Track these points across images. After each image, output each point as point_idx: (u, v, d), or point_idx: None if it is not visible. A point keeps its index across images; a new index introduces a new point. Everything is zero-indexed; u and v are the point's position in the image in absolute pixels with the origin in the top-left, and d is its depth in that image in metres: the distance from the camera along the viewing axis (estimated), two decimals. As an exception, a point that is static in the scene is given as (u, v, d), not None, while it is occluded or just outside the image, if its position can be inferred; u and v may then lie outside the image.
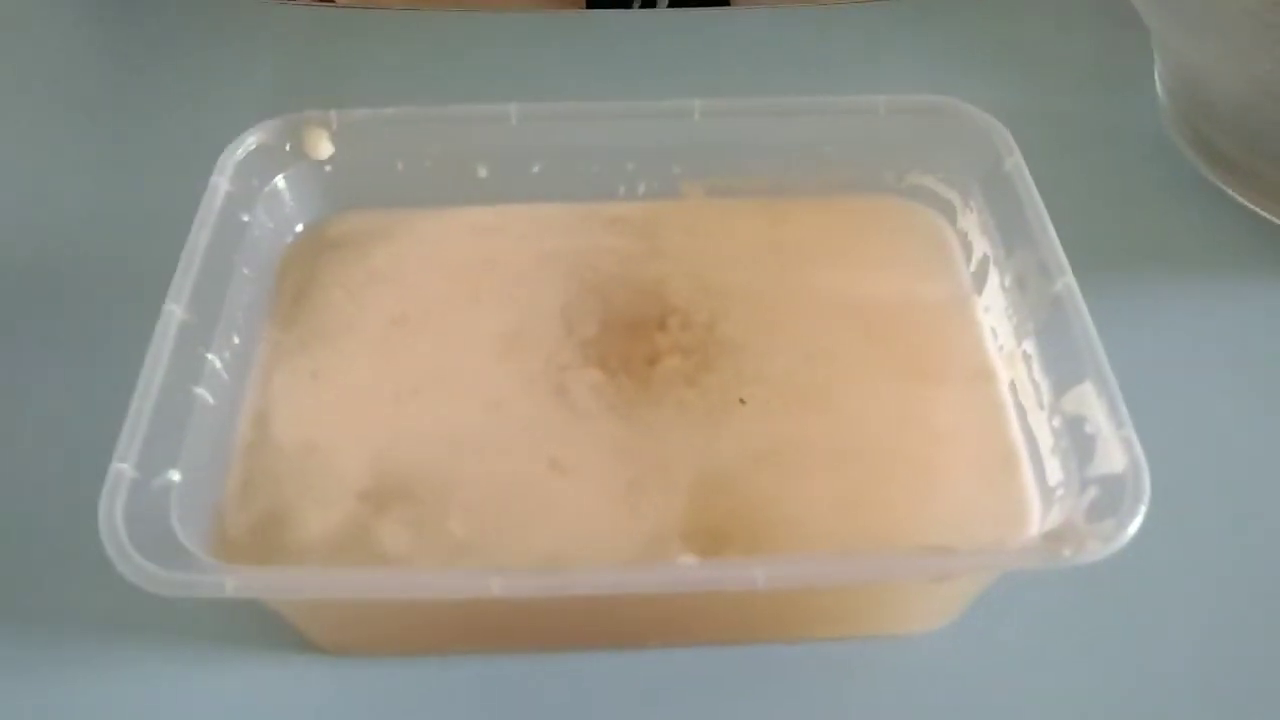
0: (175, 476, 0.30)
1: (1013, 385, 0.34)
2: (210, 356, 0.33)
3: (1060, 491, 0.31)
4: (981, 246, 0.37)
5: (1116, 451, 0.29)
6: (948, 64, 0.51)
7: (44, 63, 0.53)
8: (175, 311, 0.32)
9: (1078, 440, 0.30)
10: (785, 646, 0.32)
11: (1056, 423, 0.31)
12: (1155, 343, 0.39)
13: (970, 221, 0.38)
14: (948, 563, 0.28)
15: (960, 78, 0.49)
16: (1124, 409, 0.30)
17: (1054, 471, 0.31)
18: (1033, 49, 0.52)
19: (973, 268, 0.38)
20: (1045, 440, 0.32)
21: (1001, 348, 0.35)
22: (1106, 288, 0.34)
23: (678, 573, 0.28)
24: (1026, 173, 0.36)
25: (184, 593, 0.27)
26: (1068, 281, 0.33)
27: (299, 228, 0.39)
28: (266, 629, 0.32)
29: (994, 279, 0.36)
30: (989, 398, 0.34)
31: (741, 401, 0.34)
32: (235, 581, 0.27)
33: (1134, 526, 0.27)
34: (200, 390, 0.32)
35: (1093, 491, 0.29)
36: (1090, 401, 0.30)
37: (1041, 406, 0.32)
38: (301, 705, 0.32)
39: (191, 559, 0.28)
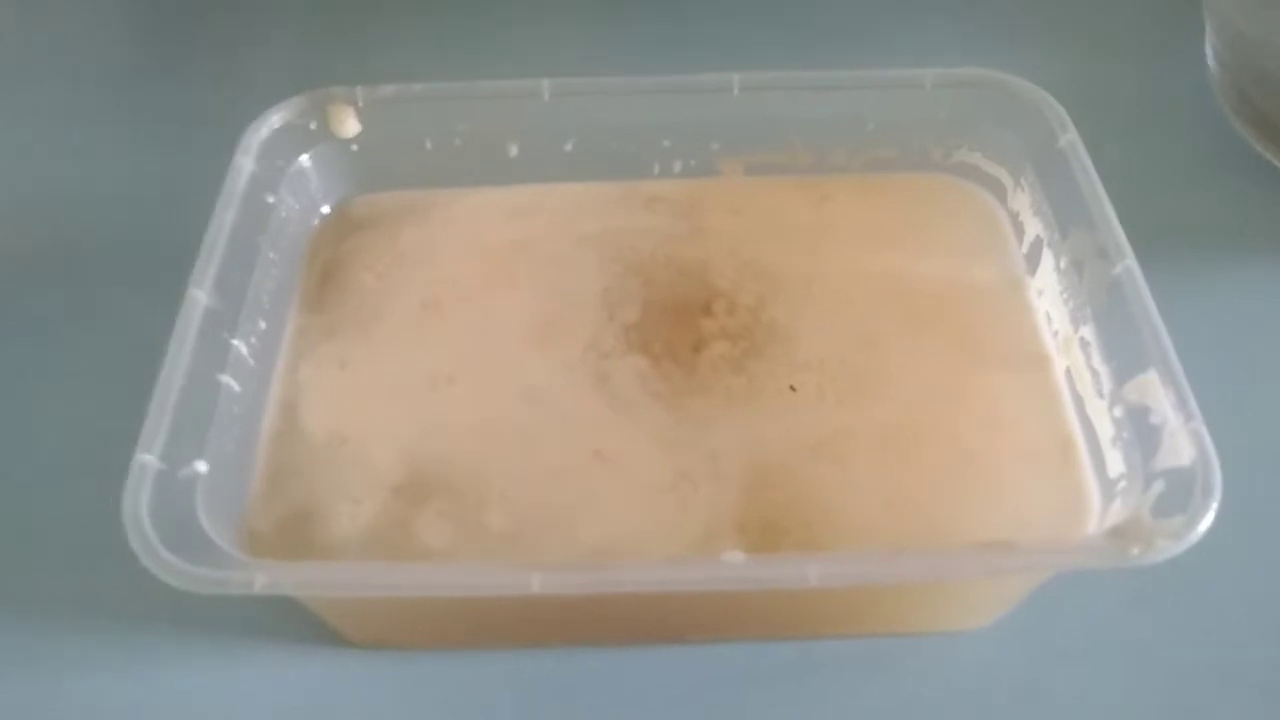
0: (201, 468, 0.29)
1: (1069, 372, 0.33)
2: (236, 343, 0.32)
3: (1122, 484, 0.29)
4: (1034, 227, 0.36)
5: (1184, 444, 0.28)
6: (985, 35, 0.50)
7: (61, 41, 0.51)
8: (200, 296, 0.31)
9: (1141, 431, 0.29)
10: (831, 642, 0.31)
11: (1118, 412, 0.30)
12: (1215, 327, 0.37)
13: (1022, 201, 0.36)
14: (1009, 561, 0.27)
15: (996, 48, 0.48)
16: (1192, 399, 0.28)
17: (1115, 463, 0.30)
18: (1074, 19, 0.51)
19: (1025, 249, 0.36)
20: (1105, 430, 0.31)
21: (1056, 333, 0.34)
22: (1162, 270, 0.32)
23: (727, 570, 0.26)
24: (1083, 151, 0.34)
25: (212, 589, 0.26)
26: (1128, 265, 0.31)
27: (325, 209, 0.38)
28: (294, 622, 0.31)
29: (1048, 261, 0.35)
30: (1044, 385, 0.33)
31: (792, 389, 0.33)
32: (265, 578, 0.26)
33: (1205, 523, 0.26)
34: (226, 378, 0.31)
35: (1159, 486, 0.28)
36: (1155, 391, 0.29)
37: (1101, 395, 0.31)
38: (331, 700, 0.31)
39: (219, 554, 0.27)
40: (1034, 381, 0.33)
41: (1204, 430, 0.28)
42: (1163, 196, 0.41)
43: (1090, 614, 0.32)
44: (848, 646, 0.31)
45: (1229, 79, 0.45)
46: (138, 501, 0.27)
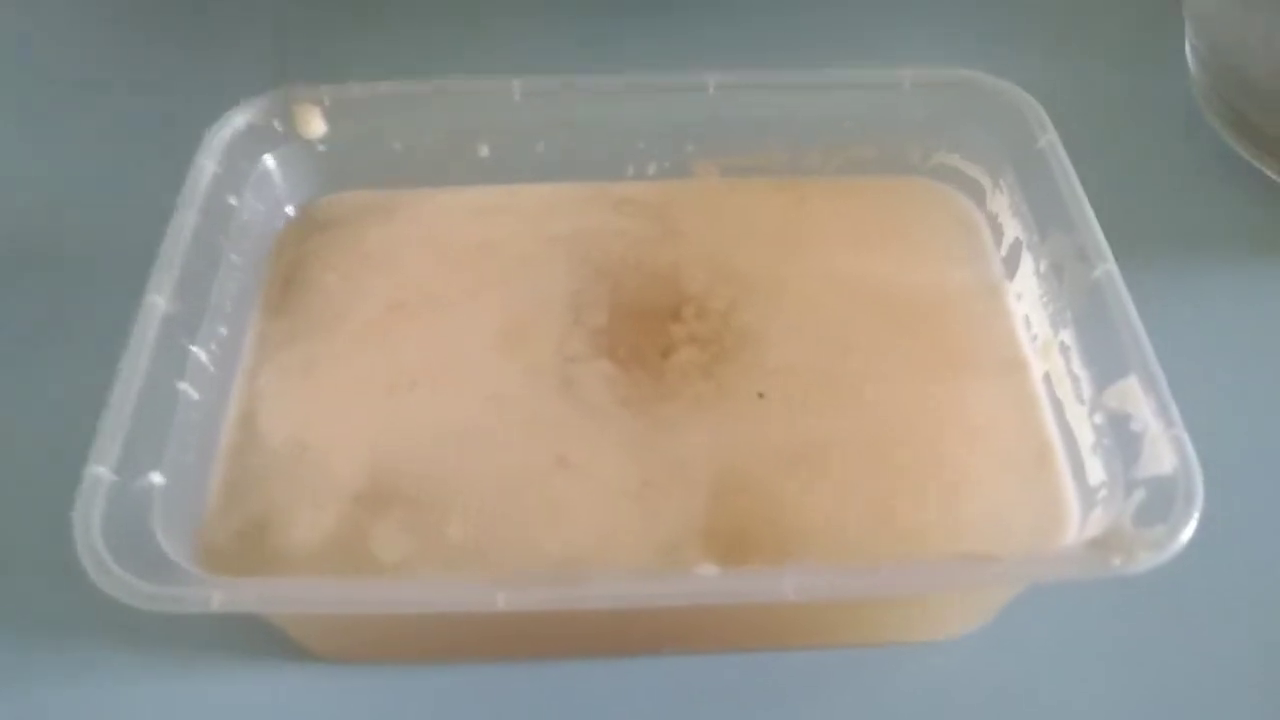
0: (157, 479, 0.28)
1: (1047, 377, 0.32)
2: (195, 349, 0.31)
3: (1103, 493, 0.29)
4: (1013, 230, 0.35)
5: (1166, 451, 0.27)
6: (963, 34, 0.49)
7: (15, 38, 0.50)
8: (158, 302, 0.30)
9: (1122, 438, 0.28)
10: (806, 653, 0.31)
11: (1098, 419, 0.30)
12: (1196, 331, 0.37)
13: (1001, 203, 0.36)
14: (989, 572, 0.26)
15: (975, 48, 0.47)
16: (1174, 406, 0.28)
17: (1095, 471, 0.29)
18: (1052, 19, 0.50)
19: (1004, 252, 0.36)
20: (1085, 437, 0.30)
21: (1035, 338, 0.33)
22: (1142, 273, 0.31)
23: (699, 584, 0.26)
24: (1062, 152, 0.34)
25: (168, 607, 0.25)
26: (1109, 268, 0.31)
27: (290, 210, 0.37)
28: (256, 634, 0.30)
29: (1027, 264, 0.34)
30: (1022, 391, 0.33)
31: (760, 395, 0.32)
32: (222, 595, 0.25)
33: (1187, 533, 0.26)
34: (184, 386, 0.30)
35: (1140, 494, 0.27)
36: (1136, 397, 0.28)
37: (1081, 401, 0.31)
38: (296, 716, 0.30)
39: (175, 570, 0.26)
40: (1012, 387, 0.33)
41: (1185, 437, 0.27)
42: (1142, 199, 0.41)
43: (1069, 623, 0.31)
44: (823, 657, 0.30)
45: (1209, 81, 0.45)
46: (90, 516, 0.26)
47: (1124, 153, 0.43)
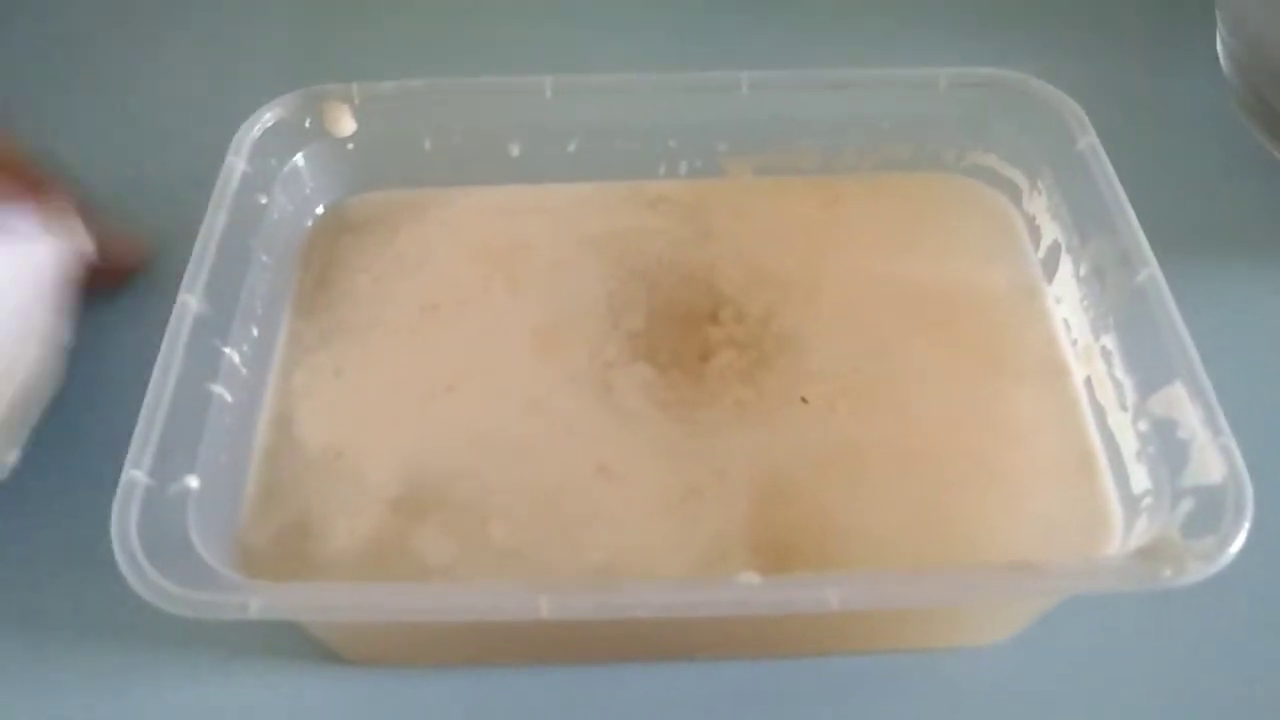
0: (193, 483, 0.28)
1: (1089, 382, 0.32)
2: (228, 351, 0.31)
3: (1148, 501, 0.28)
4: (1052, 232, 0.35)
5: (1214, 460, 0.27)
6: (997, 34, 0.48)
7: (50, 36, 0.49)
8: (190, 302, 0.30)
9: (1168, 446, 0.28)
10: (845, 659, 0.30)
11: (1143, 426, 0.29)
12: (1240, 337, 0.36)
13: (1039, 204, 0.35)
14: (1034, 582, 0.26)
15: (1009, 48, 0.47)
16: (1220, 413, 0.27)
17: (1140, 479, 0.29)
18: (1083, 19, 0.50)
19: (1041, 254, 0.35)
20: (1129, 444, 0.30)
21: (1076, 342, 0.33)
22: (1182, 277, 0.31)
23: (743, 592, 0.25)
24: (1103, 154, 0.33)
25: (205, 614, 0.25)
26: (1152, 273, 0.30)
27: (320, 209, 0.37)
28: (289, 639, 0.30)
29: (1066, 267, 0.34)
30: (1063, 396, 0.32)
31: (804, 401, 0.32)
32: (260, 601, 0.25)
33: (1238, 544, 0.25)
34: (218, 388, 0.30)
35: (1188, 504, 0.27)
36: (1182, 404, 0.28)
37: (1124, 407, 0.30)
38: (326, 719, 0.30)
39: (212, 575, 0.26)
40: (1052, 392, 0.32)
41: (1234, 446, 0.27)
42: (1179, 201, 0.40)
43: (1111, 631, 0.31)
44: (862, 663, 0.30)
45: (1242, 80, 0.44)
46: (126, 520, 0.26)
47: (1159, 154, 0.42)
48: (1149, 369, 0.29)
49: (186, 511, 0.27)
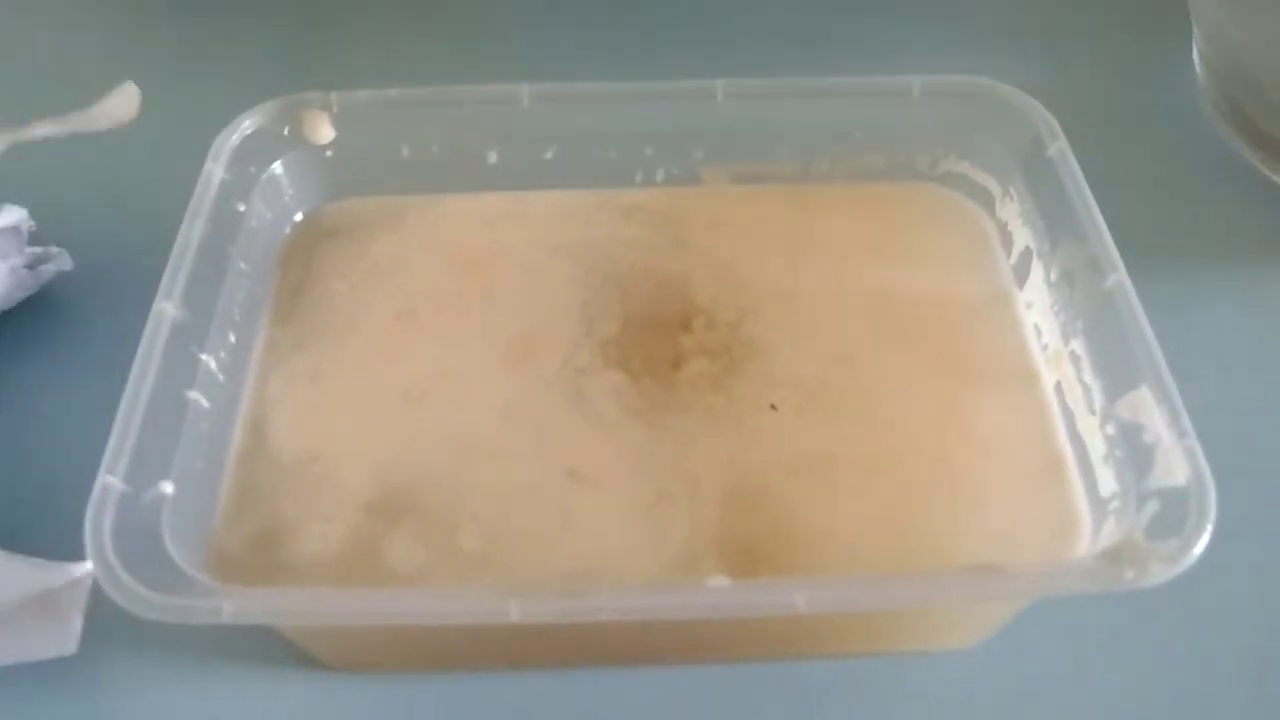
0: (168, 489, 0.28)
1: (1059, 387, 0.32)
2: (205, 357, 0.31)
3: (1115, 504, 0.29)
4: (1023, 238, 0.35)
5: (1179, 463, 0.27)
6: (971, 41, 0.49)
7: (23, 41, 0.50)
8: (168, 309, 0.30)
9: (1134, 449, 0.28)
10: (814, 663, 0.30)
11: (1110, 430, 0.29)
12: (1208, 341, 0.37)
13: (1011, 211, 0.36)
14: (1000, 585, 0.26)
15: (983, 56, 0.47)
16: (1186, 416, 0.27)
17: (1107, 482, 0.29)
18: (1056, 26, 0.50)
19: (1013, 260, 0.35)
20: (1097, 448, 0.30)
21: (1046, 347, 0.33)
22: (1153, 282, 0.31)
23: (712, 596, 0.26)
24: (1073, 159, 0.33)
25: (179, 618, 0.25)
26: (1120, 278, 0.30)
27: (298, 217, 0.37)
28: (265, 644, 0.30)
29: (1037, 273, 0.34)
30: (1033, 401, 0.32)
31: (773, 407, 0.32)
32: (234, 606, 0.25)
33: (1200, 546, 0.25)
34: (194, 394, 0.30)
35: (1152, 506, 0.27)
36: (1148, 408, 0.28)
37: (1093, 411, 0.30)
38: (305, 726, 0.29)
39: (186, 580, 0.26)
40: (1023, 397, 0.32)
41: (1198, 448, 0.27)
42: (1151, 206, 0.41)
43: (1079, 634, 0.31)
44: (831, 667, 0.30)
45: (1217, 86, 0.44)
46: (101, 526, 0.26)
47: (1131, 160, 0.43)
48: (1116, 373, 0.30)
49: (161, 517, 0.27)
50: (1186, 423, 0.27)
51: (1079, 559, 0.28)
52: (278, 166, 0.36)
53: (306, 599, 0.27)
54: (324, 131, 0.36)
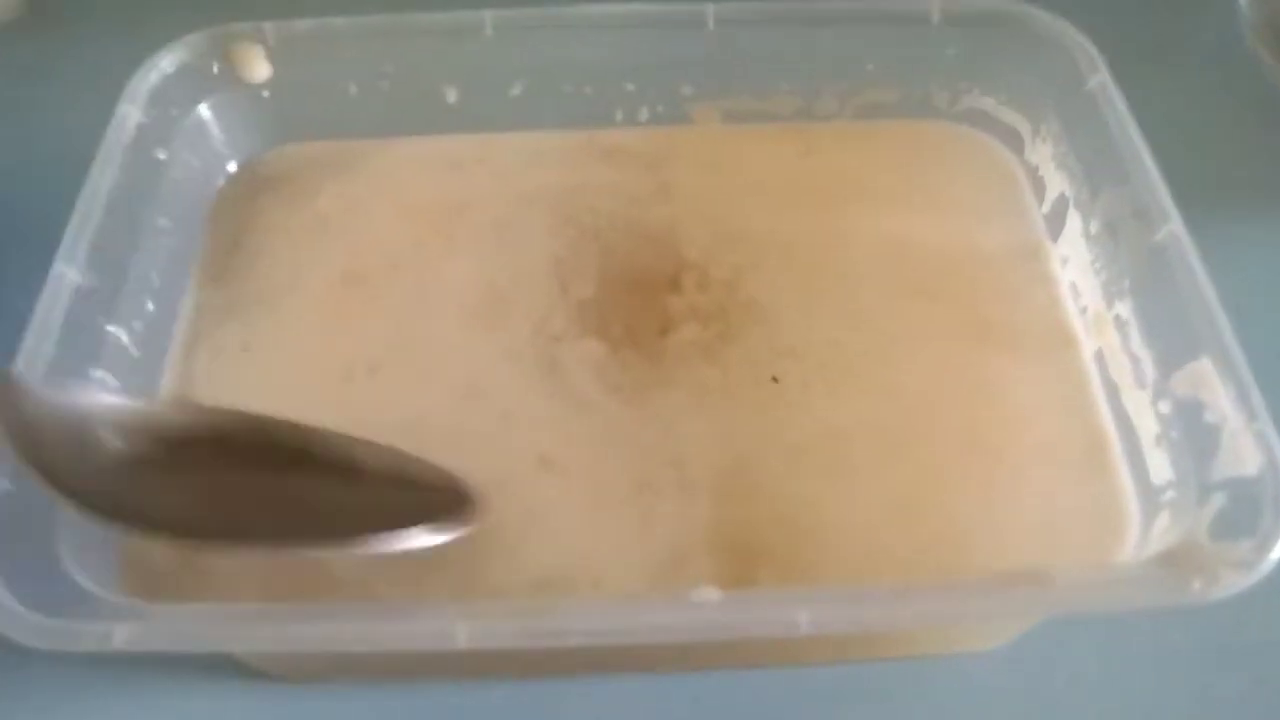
0: None
1: (1100, 356, 0.29)
2: (113, 329, 0.28)
3: (1169, 495, 0.25)
4: (1058, 184, 0.31)
5: (1248, 449, 0.23)
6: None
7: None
8: (67, 274, 0.27)
9: (1194, 431, 0.25)
10: (821, 670, 0.27)
11: (1164, 407, 0.26)
12: (1275, 303, 0.33)
13: (1043, 153, 0.32)
14: (1040, 597, 0.22)
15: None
16: (1257, 393, 0.24)
17: (1160, 469, 0.26)
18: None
19: (1046, 210, 0.32)
20: (1147, 428, 0.27)
21: (1085, 310, 0.30)
22: (1206, 235, 0.27)
23: (697, 613, 0.22)
24: (1116, 95, 0.30)
25: (59, 644, 0.21)
26: (1173, 230, 0.27)
27: (231, 166, 0.34)
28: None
29: (1074, 224, 0.31)
30: (1069, 372, 0.29)
31: (774, 380, 0.28)
32: (128, 630, 0.21)
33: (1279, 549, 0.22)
34: (99, 373, 0.27)
35: (1218, 499, 0.24)
36: (1210, 383, 0.25)
37: (1142, 385, 0.27)
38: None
39: (80, 595, 0.23)
40: (1058, 368, 0.29)
41: (1273, 432, 0.23)
42: (1197, 149, 0.36)
43: (1122, 636, 0.28)
44: (844, 674, 0.27)
45: (1263, 15, 0.40)
46: (-25, 530, 0.22)
47: (1168, 95, 0.38)
48: (1171, 341, 0.26)
49: (54, 519, 0.24)
50: (1258, 401, 0.24)
51: (1133, 566, 0.24)
52: (204, 109, 0.32)
53: (223, 618, 0.23)
54: (259, 68, 0.32)
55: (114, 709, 0.27)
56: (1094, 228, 0.29)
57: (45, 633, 0.21)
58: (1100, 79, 0.30)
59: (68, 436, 0.24)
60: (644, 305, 0.30)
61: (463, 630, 0.21)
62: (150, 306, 0.29)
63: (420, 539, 0.23)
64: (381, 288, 0.31)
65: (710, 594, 0.22)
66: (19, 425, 0.23)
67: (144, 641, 0.21)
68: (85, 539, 0.24)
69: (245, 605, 0.24)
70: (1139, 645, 0.27)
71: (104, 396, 0.25)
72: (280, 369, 0.29)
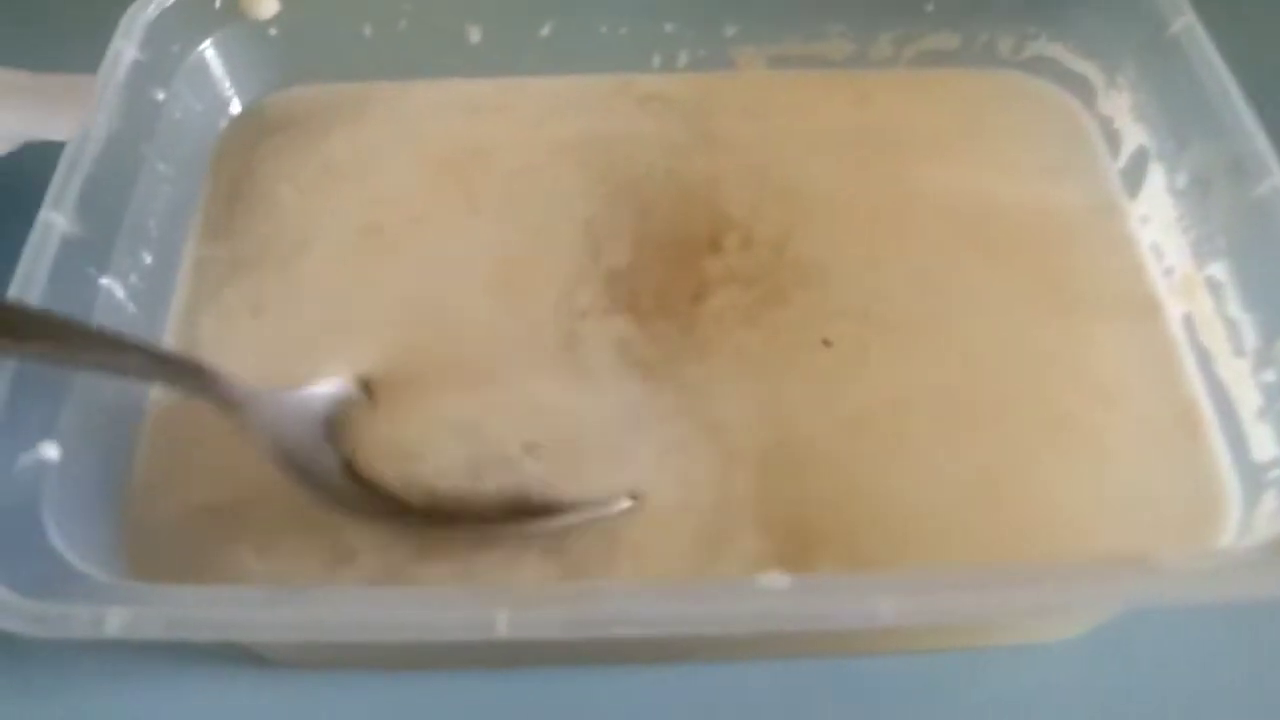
0: (51, 453, 0.22)
1: (1189, 321, 0.27)
2: (106, 282, 0.26)
3: (1276, 472, 0.23)
4: (1136, 136, 0.29)
5: (1369, 425, 0.21)
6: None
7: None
8: (56, 221, 0.25)
9: (1304, 404, 0.23)
10: (875, 660, 0.25)
11: (1269, 376, 0.24)
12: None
13: (1118, 104, 0.30)
14: (1148, 585, 0.20)
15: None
16: (1377, 362, 0.21)
17: (1263, 444, 0.24)
18: None
19: (1122, 164, 0.30)
20: (1248, 400, 0.25)
21: (1170, 271, 0.27)
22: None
23: (764, 602, 0.19)
24: (1205, 39, 0.28)
25: (46, 631, 0.19)
26: (1276, 183, 0.25)
27: (235, 109, 0.32)
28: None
29: (1156, 179, 0.28)
30: (1154, 338, 0.27)
31: (826, 344, 0.26)
32: (124, 616, 0.19)
33: None
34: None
35: (1334, 480, 0.21)
36: (1324, 349, 0.22)
37: (1241, 353, 0.25)
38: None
39: (68, 575, 0.21)
40: (1140, 334, 0.27)
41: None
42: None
43: (1198, 624, 0.26)
44: (899, 665, 0.25)
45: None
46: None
47: (1263, 40, 0.35)
48: (1275, 304, 0.24)
49: (40, 489, 0.22)
50: (1379, 369, 0.21)
51: (1245, 551, 0.22)
52: (208, 47, 0.31)
53: (231, 602, 0.21)
54: (265, 3, 0.31)
55: (109, 691, 0.25)
56: (1181, 182, 0.27)
57: (27, 618, 0.19)
58: (1185, 21, 0.28)
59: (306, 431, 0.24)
60: (678, 270, 0.28)
61: (503, 618, 0.19)
62: (148, 259, 0.27)
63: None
64: (396, 249, 0.29)
65: (778, 580, 0.20)
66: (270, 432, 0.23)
67: (139, 628, 0.19)
68: (76, 511, 0.22)
69: (253, 588, 0.22)
70: (1223, 638, 0.25)
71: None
72: (292, 331, 0.27)
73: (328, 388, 0.25)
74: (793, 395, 0.25)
